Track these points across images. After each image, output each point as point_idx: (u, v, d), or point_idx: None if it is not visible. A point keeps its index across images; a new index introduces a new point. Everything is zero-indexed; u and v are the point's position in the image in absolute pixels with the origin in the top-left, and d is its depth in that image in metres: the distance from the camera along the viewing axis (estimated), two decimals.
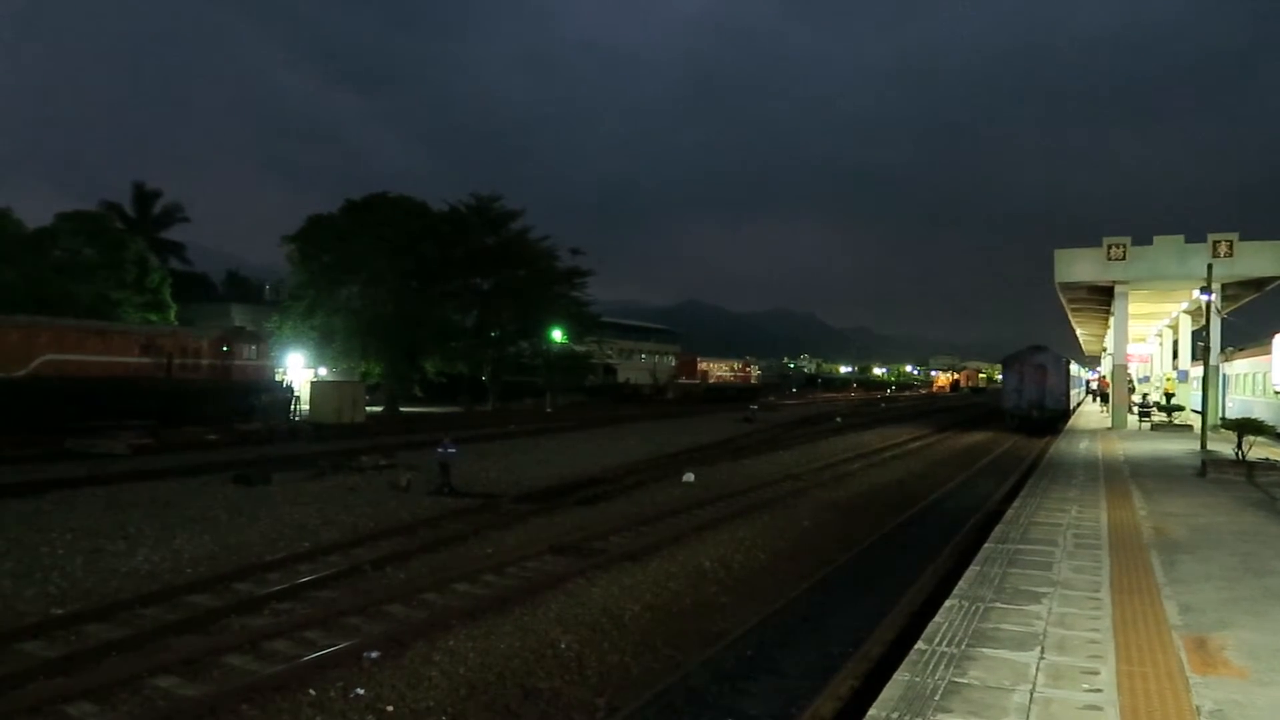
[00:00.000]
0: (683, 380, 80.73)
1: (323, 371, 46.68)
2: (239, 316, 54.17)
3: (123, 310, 41.96)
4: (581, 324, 57.58)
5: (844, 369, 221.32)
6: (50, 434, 24.10)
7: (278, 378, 36.67)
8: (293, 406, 36.08)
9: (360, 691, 7.71)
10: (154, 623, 9.25)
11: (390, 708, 7.51)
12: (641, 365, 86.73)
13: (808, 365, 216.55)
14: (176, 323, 44.54)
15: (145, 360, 29.11)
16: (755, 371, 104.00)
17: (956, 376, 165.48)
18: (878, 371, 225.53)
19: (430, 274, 48.46)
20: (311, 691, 7.65)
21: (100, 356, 27.60)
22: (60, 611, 9.62)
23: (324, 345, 45.12)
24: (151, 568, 11.74)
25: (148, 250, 47.76)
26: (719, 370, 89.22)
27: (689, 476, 21.52)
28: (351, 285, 46.64)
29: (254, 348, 34.33)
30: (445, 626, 9.40)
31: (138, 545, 12.77)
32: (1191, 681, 5.58)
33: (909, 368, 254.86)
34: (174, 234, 60.53)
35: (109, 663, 8.13)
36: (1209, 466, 17.48)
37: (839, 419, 48.05)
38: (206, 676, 7.93)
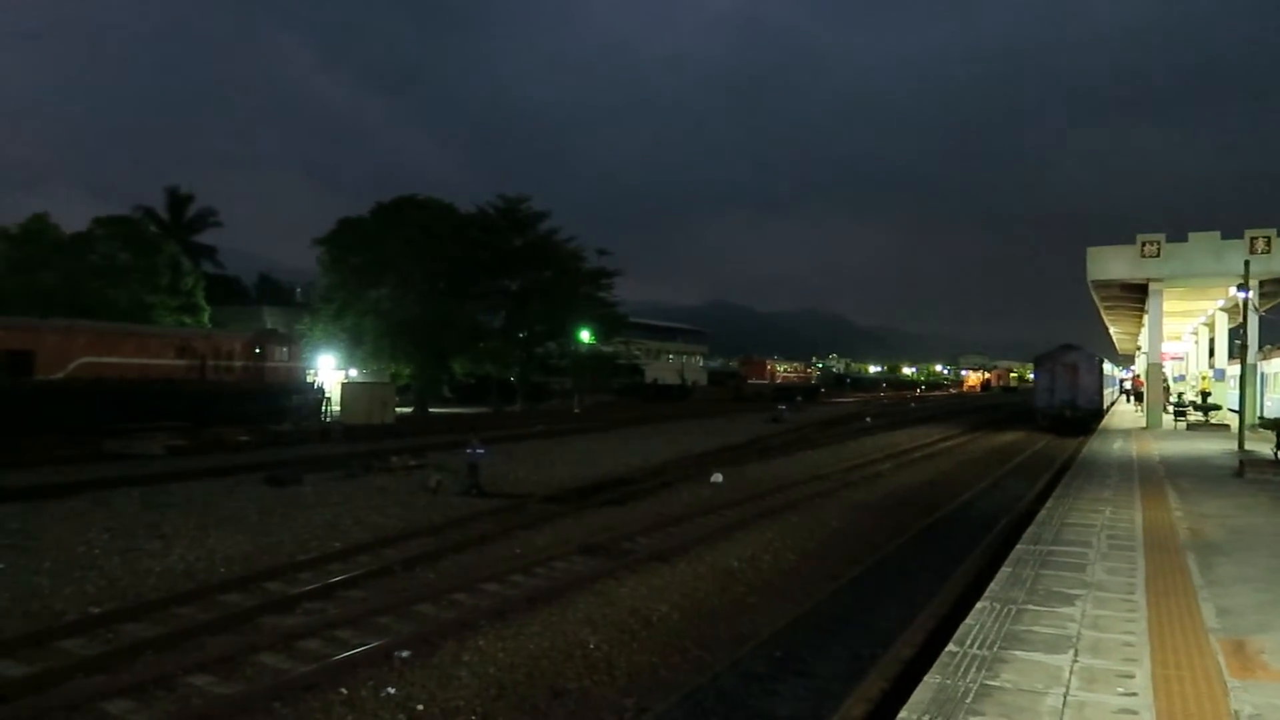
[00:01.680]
0: (753, 380, 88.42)
1: (353, 373, 47.10)
2: (271, 319, 54.78)
3: (157, 313, 42.59)
4: (609, 324, 57.67)
5: (873, 369, 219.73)
6: (87, 435, 24.50)
7: (309, 379, 37.02)
8: (324, 408, 36.43)
9: (391, 691, 7.77)
10: (189, 621, 9.37)
11: (420, 707, 7.56)
12: (669, 365, 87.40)
13: (837, 365, 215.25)
14: (210, 325, 45.13)
15: (179, 362, 29.51)
16: (815, 372, 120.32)
17: (988, 376, 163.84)
18: (907, 371, 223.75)
19: (459, 275, 48.76)
20: (343, 690, 7.72)
21: (136, 359, 28.02)
22: (98, 610, 9.78)
23: (354, 347, 45.52)
24: (186, 567, 11.91)
25: (181, 254, 48.48)
26: (784, 372, 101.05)
27: (717, 477, 21.47)
28: (381, 287, 47.04)
29: (286, 350, 34.68)
30: (474, 626, 9.45)
31: (173, 544, 12.96)
32: (1230, 685, 5.49)
33: (939, 367, 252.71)
34: (207, 237, 61.46)
35: (145, 661, 8.25)
36: (1247, 466, 17.19)
37: (868, 419, 47.76)
38: (240, 675, 8.02)
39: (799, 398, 68.46)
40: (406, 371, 48.24)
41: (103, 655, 8.24)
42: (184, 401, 28.91)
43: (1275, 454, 17.94)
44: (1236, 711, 5.07)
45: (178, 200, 59.05)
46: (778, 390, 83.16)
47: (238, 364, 32.08)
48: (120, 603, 10.10)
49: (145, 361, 28.33)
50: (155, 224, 54.24)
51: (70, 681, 7.66)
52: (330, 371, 42.82)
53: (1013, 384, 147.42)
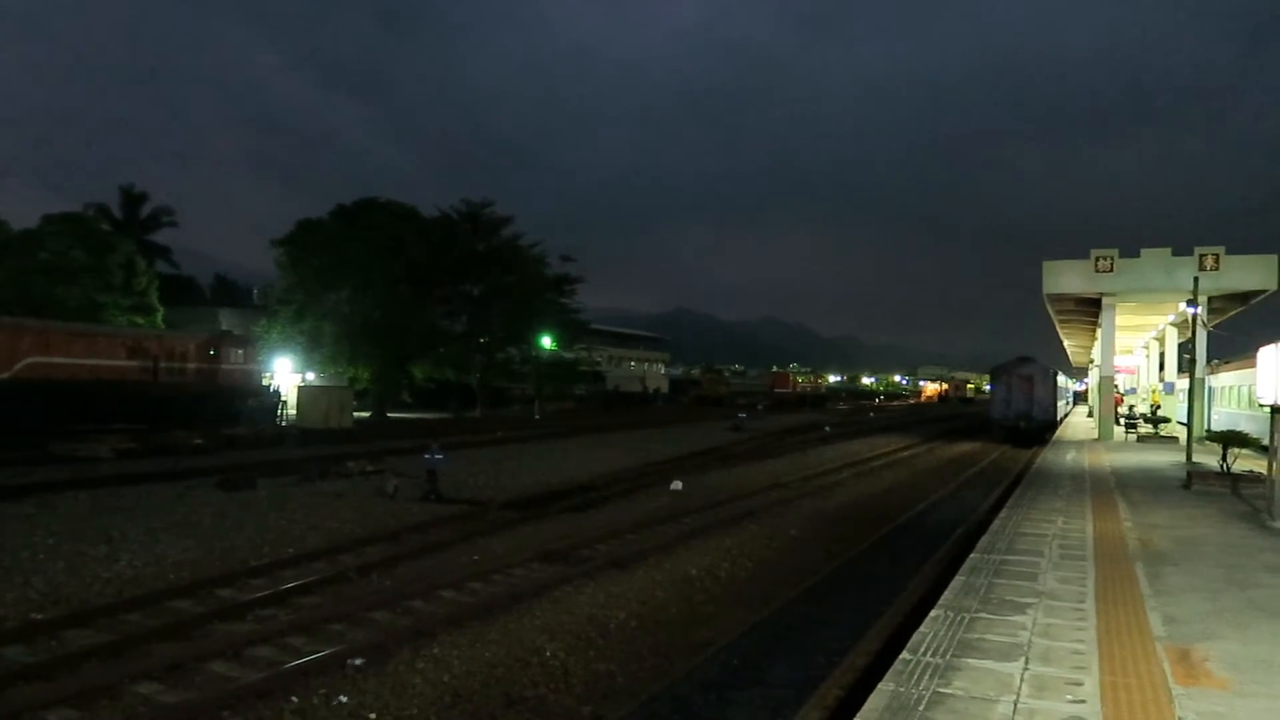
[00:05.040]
0: (779, 390, 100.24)
1: (310, 376, 46.46)
2: (227, 320, 53.87)
3: (109, 313, 41.67)
4: (571, 330, 57.55)
5: (832, 378, 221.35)
6: (34, 438, 23.91)
7: (265, 382, 36.48)
8: (280, 411, 35.88)
9: (344, 699, 7.67)
10: (136, 628, 9.17)
11: (373, 715, 7.47)
12: (631, 372, 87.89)
13: (799, 375, 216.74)
14: (163, 326, 44.28)
15: (131, 364, 28.90)
16: (825, 382, 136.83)
17: (945, 387, 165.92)
18: (866, 381, 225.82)
19: (420, 279, 48.36)
20: (294, 699, 7.60)
21: (86, 360, 27.39)
22: (41, 616, 9.53)
23: (312, 350, 44.93)
24: (134, 573, 11.65)
25: (135, 253, 47.51)
26: (802, 382, 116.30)
27: (677, 485, 21.50)
28: (341, 290, 46.49)
29: (241, 352, 34.11)
30: (430, 634, 9.35)
31: (120, 550, 12.66)
32: (1174, 692, 5.60)
33: (898, 378, 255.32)
34: (162, 237, 60.23)
35: (90, 668, 8.06)
36: (1194, 478, 17.57)
37: (827, 428, 48.14)
38: (189, 683, 7.86)
39: (762, 406, 73.63)
40: (365, 375, 47.72)
41: (45, 663, 8.03)
42: (136, 404, 28.33)
43: (1222, 466, 18.36)
44: (1180, 718, 5.17)
45: (132, 199, 57.92)
46: (800, 397, 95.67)
47: (192, 366, 31.49)
48: (65, 609, 9.86)
49: (96, 362, 27.71)
50: (109, 222, 53.11)
51: (10, 689, 7.46)
52: (287, 375, 42.20)
53: (969, 395, 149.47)
